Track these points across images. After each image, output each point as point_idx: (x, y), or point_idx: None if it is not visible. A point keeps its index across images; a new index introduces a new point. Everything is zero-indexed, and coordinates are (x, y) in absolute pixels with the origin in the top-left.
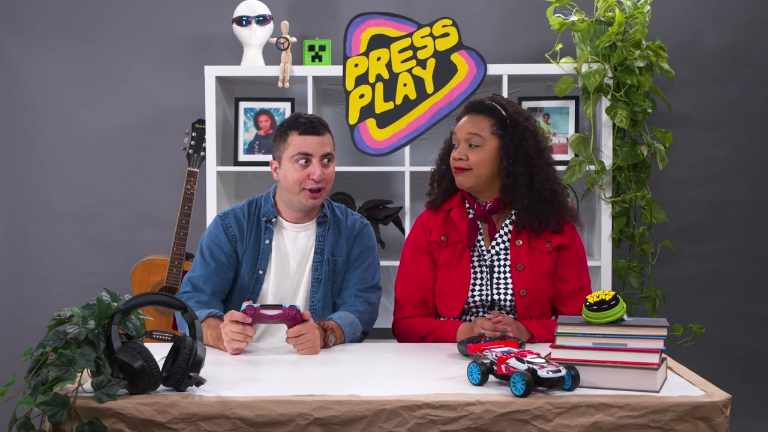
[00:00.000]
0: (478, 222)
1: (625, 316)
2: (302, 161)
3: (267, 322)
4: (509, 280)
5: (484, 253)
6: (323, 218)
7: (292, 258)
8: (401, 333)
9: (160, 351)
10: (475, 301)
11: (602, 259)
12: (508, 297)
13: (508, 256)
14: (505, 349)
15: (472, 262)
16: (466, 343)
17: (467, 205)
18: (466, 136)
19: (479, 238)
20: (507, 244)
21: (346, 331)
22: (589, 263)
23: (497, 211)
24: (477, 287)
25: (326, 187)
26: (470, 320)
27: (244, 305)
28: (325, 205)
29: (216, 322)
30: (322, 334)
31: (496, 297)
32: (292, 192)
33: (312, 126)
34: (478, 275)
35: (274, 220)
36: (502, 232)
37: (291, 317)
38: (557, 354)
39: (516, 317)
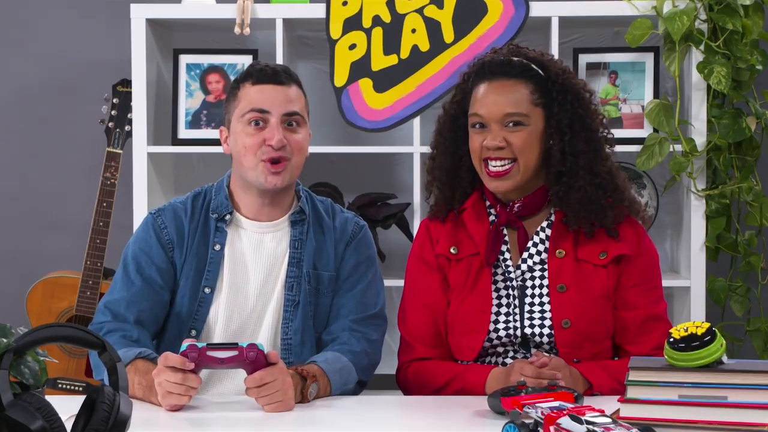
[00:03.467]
0: (503, 229)
1: (725, 358)
2: (255, 122)
3: (217, 367)
4: (546, 307)
5: (511, 269)
6: (299, 215)
7: (253, 270)
8: (409, 382)
9: (67, 406)
10: (499, 337)
11: (692, 276)
12: (546, 331)
13: (546, 274)
14: (556, 404)
15: (495, 282)
16: (500, 396)
17: (487, 204)
18: (499, 115)
19: (503, 248)
20: (543, 256)
21: (333, 380)
22: (674, 282)
23: (529, 214)
24: (502, 318)
25: (293, 160)
26: (500, 363)
27: (185, 344)
28: (303, 196)
29: (147, 366)
30: (298, 382)
31: (528, 331)
32: (245, 166)
33: (272, 74)
34: (504, 301)
35: (228, 216)
36: (536, 239)
37: (251, 361)
38: (628, 411)
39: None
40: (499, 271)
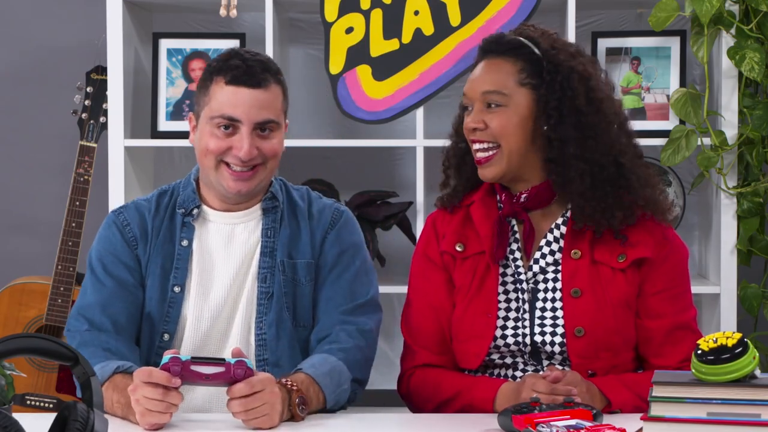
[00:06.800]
0: (513, 222)
1: (758, 372)
2: (224, 127)
3: (200, 384)
4: (559, 313)
5: (521, 270)
6: (272, 201)
7: (224, 265)
8: (412, 392)
9: (37, 425)
10: (507, 345)
11: (722, 282)
12: (557, 339)
13: (559, 276)
14: (572, 422)
15: (504, 284)
16: (511, 414)
17: (498, 198)
18: (480, 94)
19: (514, 247)
20: (557, 256)
21: (324, 384)
22: (702, 289)
23: (538, 206)
24: (510, 323)
25: (267, 164)
26: (509, 377)
27: (167, 356)
28: (274, 182)
29: (126, 382)
30: (285, 397)
31: (538, 339)
32: (206, 166)
33: (248, 72)
34: (513, 305)
35: (195, 211)
36: (550, 237)
37: (238, 379)
38: (652, 430)
39: (571, 368)
40: (509, 271)
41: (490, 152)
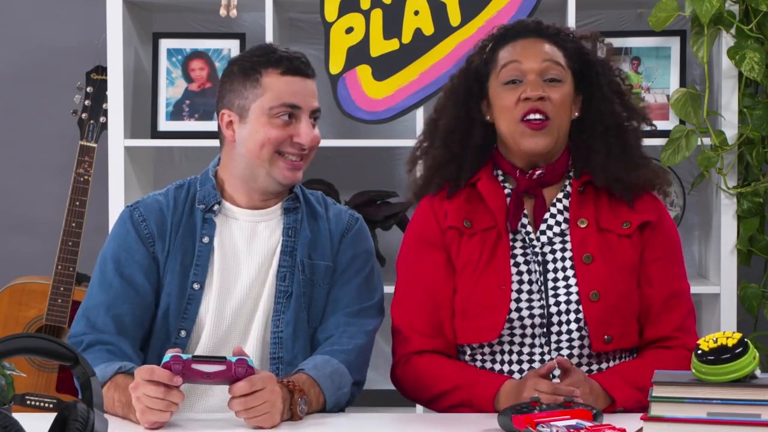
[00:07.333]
0: (522, 197)
1: (758, 372)
2: (286, 116)
3: (201, 382)
4: (572, 281)
5: (534, 240)
6: (293, 202)
7: (246, 262)
8: (407, 379)
9: (37, 425)
10: (521, 317)
11: (722, 282)
12: (572, 306)
13: (567, 246)
14: (572, 422)
15: (514, 256)
16: (511, 414)
17: (500, 178)
18: (540, 65)
19: (524, 221)
20: (564, 227)
21: (325, 386)
22: (703, 289)
23: (551, 181)
24: (524, 296)
25: (310, 154)
26: (515, 351)
27: (169, 355)
28: (296, 185)
29: (127, 382)
30: (286, 396)
31: (553, 309)
32: (260, 158)
33: (300, 65)
34: (525, 277)
35: (216, 206)
36: (553, 210)
37: (239, 377)
38: (652, 430)
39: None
40: (518, 245)
41: (545, 125)
